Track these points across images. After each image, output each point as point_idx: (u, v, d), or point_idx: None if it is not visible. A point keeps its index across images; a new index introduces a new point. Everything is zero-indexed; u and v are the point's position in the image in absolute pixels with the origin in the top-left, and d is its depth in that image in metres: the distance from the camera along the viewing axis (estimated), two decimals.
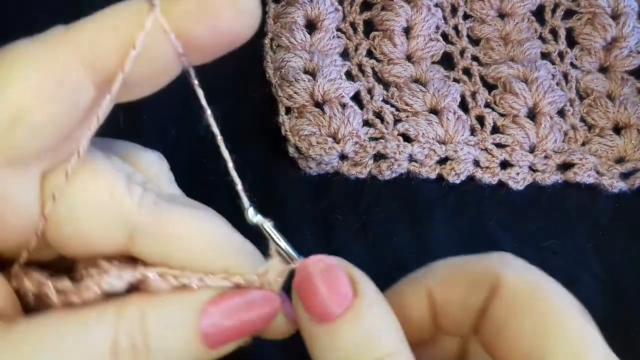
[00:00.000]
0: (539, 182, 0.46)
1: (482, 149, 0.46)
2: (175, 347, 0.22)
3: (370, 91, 0.48)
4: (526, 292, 0.23)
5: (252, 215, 0.25)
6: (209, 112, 0.24)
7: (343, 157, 0.44)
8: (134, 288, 0.23)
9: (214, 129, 0.24)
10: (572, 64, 0.52)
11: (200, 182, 0.43)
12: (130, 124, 0.43)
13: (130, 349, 0.21)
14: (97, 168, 0.23)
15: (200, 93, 0.24)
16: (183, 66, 0.22)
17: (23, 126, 0.20)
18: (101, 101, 0.22)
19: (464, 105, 0.48)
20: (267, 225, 0.25)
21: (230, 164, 0.25)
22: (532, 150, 0.47)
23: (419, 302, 0.26)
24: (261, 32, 0.49)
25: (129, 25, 0.20)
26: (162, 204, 0.24)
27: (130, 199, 0.23)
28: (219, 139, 0.25)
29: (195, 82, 0.23)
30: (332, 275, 0.23)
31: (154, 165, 0.27)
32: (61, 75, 0.20)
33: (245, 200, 0.25)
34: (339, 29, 0.51)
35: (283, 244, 0.25)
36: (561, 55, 0.52)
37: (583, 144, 0.48)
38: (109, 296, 0.23)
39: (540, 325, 0.22)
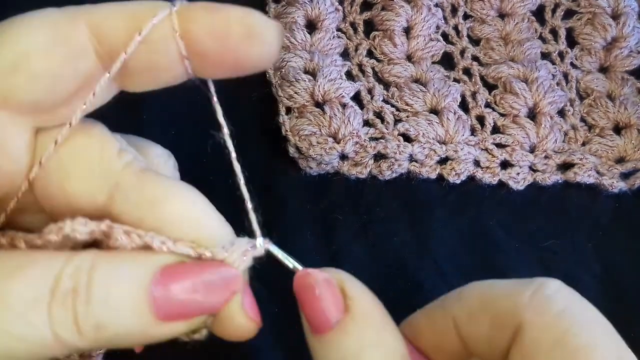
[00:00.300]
0: (539, 182, 0.46)
1: (482, 149, 0.46)
2: (118, 303, 0.21)
3: (370, 91, 0.48)
4: (548, 341, 0.22)
5: (261, 244, 0.25)
6: (226, 130, 0.24)
7: (343, 157, 0.44)
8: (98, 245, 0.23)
9: (230, 147, 0.25)
10: (572, 64, 0.52)
11: (200, 181, 0.43)
12: (131, 122, 0.43)
13: (71, 291, 0.20)
14: (94, 132, 0.24)
15: (219, 110, 0.24)
16: (193, 75, 0.23)
17: (23, 71, 0.21)
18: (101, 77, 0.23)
19: (464, 105, 0.48)
20: (282, 254, 0.25)
21: (242, 183, 0.25)
22: (532, 150, 0.47)
23: (447, 328, 0.25)
24: None
25: (142, 14, 0.21)
26: (148, 172, 0.24)
27: (118, 160, 0.23)
28: (233, 156, 0.25)
29: (215, 98, 0.24)
30: (324, 289, 0.23)
31: (159, 157, 0.28)
32: (67, 34, 0.21)
33: (256, 226, 0.25)
34: (339, 29, 0.51)
35: (296, 264, 0.25)
36: (561, 55, 0.52)
37: (583, 144, 0.48)
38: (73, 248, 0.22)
39: None
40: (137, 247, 0.22)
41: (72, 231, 0.22)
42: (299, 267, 0.25)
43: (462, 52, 0.51)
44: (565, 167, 0.47)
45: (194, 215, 0.24)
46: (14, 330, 0.20)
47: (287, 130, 0.44)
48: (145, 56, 0.22)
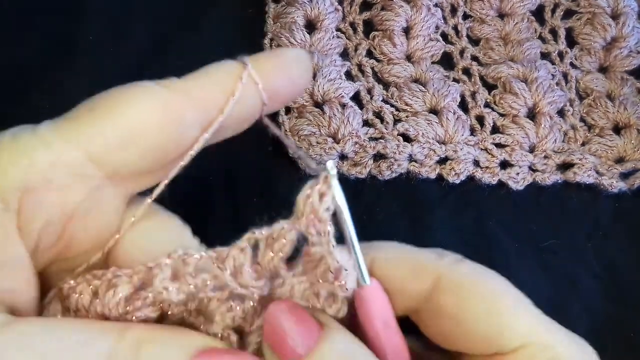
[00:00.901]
0: (539, 182, 0.46)
1: (482, 149, 0.46)
2: None
3: (370, 91, 0.48)
4: (470, 286, 0.26)
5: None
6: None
7: (343, 157, 0.44)
8: None
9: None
10: (572, 64, 0.52)
11: (200, 181, 0.43)
12: None
13: None
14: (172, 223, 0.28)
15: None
16: (262, 114, 0.27)
17: (135, 147, 0.23)
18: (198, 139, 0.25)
19: (463, 105, 0.48)
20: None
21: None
22: (532, 150, 0.47)
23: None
24: (261, 32, 0.49)
25: (229, 78, 0.25)
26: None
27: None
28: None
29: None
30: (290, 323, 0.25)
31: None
32: (177, 112, 0.24)
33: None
34: (338, 29, 0.51)
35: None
36: (561, 55, 0.52)
37: (583, 144, 0.48)
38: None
39: (493, 309, 0.25)
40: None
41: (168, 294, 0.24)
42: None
43: (462, 52, 0.51)
44: (564, 167, 0.47)
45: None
46: None
47: (286, 130, 0.44)
48: (235, 113, 0.25)
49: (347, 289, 0.25)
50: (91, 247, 0.26)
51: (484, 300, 0.26)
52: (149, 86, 0.24)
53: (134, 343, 0.23)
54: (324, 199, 0.24)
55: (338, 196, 0.24)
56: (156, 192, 0.26)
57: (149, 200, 0.26)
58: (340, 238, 0.25)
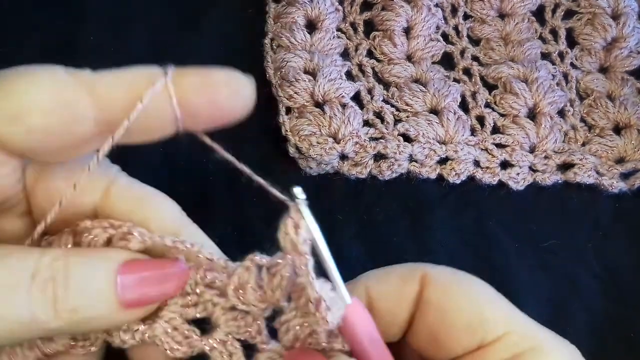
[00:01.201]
0: (539, 182, 0.46)
1: (482, 149, 0.46)
2: (92, 291, 0.24)
3: (370, 91, 0.48)
4: (453, 280, 0.28)
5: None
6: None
7: (343, 157, 0.44)
8: None
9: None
10: (572, 64, 0.52)
11: (200, 181, 0.43)
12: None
13: (50, 279, 0.24)
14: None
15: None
16: (182, 130, 0.25)
17: (21, 125, 0.23)
18: (101, 141, 0.25)
19: (464, 105, 0.48)
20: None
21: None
22: (532, 150, 0.47)
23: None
24: (261, 32, 0.49)
25: (141, 83, 0.24)
26: (134, 180, 0.29)
27: (113, 167, 0.29)
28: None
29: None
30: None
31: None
32: (70, 100, 0.24)
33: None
34: (339, 29, 0.51)
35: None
36: (561, 55, 0.52)
37: (583, 144, 0.48)
38: None
39: (474, 300, 0.27)
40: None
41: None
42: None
43: (462, 52, 0.51)
44: (565, 167, 0.47)
45: (174, 210, 0.28)
46: None
47: (287, 130, 0.44)
48: (142, 120, 0.24)
49: (327, 321, 0.25)
50: None
51: (466, 292, 0.27)
52: (55, 70, 0.24)
53: (59, 256, 0.24)
54: (299, 231, 0.25)
55: (309, 221, 0.25)
56: (83, 176, 0.26)
57: (86, 171, 0.26)
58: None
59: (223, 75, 0.25)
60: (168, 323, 0.27)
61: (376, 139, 0.45)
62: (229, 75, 0.25)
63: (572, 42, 0.53)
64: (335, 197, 0.44)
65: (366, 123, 0.46)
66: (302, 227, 0.25)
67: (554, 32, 0.53)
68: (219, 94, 0.25)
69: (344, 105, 0.45)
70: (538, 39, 0.52)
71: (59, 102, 0.24)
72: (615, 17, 0.52)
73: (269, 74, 0.47)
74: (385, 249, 0.43)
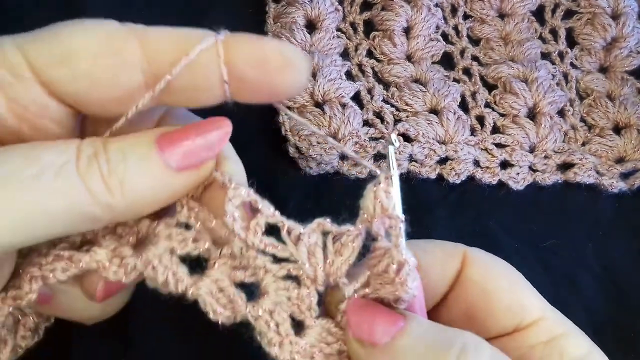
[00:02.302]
0: (539, 182, 0.46)
1: (482, 149, 0.46)
2: (134, 161, 0.24)
3: (370, 91, 0.48)
4: (494, 263, 0.29)
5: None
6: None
7: (343, 157, 0.44)
8: None
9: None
10: (572, 64, 0.52)
11: None
12: None
13: (93, 155, 0.24)
14: None
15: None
16: (230, 99, 0.25)
17: (67, 68, 0.24)
18: (145, 94, 0.25)
19: (464, 105, 0.48)
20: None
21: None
22: (532, 150, 0.47)
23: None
24: (261, 32, 0.49)
25: (191, 40, 0.24)
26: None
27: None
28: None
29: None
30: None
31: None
32: (119, 48, 0.24)
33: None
34: (339, 29, 0.51)
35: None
36: (561, 55, 0.52)
37: (583, 144, 0.48)
38: None
39: (513, 284, 0.28)
40: None
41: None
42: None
43: (462, 52, 0.51)
44: (565, 167, 0.47)
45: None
46: (51, 186, 0.23)
47: (287, 130, 0.44)
48: (188, 78, 0.24)
49: (407, 287, 0.24)
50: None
51: (507, 276, 0.28)
52: (106, 20, 0.25)
53: (98, 140, 0.25)
54: (389, 195, 0.25)
55: (396, 187, 0.26)
56: (119, 124, 0.26)
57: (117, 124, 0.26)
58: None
59: (275, 43, 0.25)
60: (215, 283, 0.25)
61: (376, 138, 0.45)
62: (282, 45, 0.25)
63: (572, 42, 0.53)
64: (336, 197, 0.44)
65: (366, 123, 0.46)
66: (394, 191, 0.25)
67: (554, 32, 0.53)
68: (268, 62, 0.24)
69: (343, 105, 0.45)
70: (538, 39, 0.52)
71: (108, 47, 0.24)
72: (615, 17, 0.52)
73: None
74: None
